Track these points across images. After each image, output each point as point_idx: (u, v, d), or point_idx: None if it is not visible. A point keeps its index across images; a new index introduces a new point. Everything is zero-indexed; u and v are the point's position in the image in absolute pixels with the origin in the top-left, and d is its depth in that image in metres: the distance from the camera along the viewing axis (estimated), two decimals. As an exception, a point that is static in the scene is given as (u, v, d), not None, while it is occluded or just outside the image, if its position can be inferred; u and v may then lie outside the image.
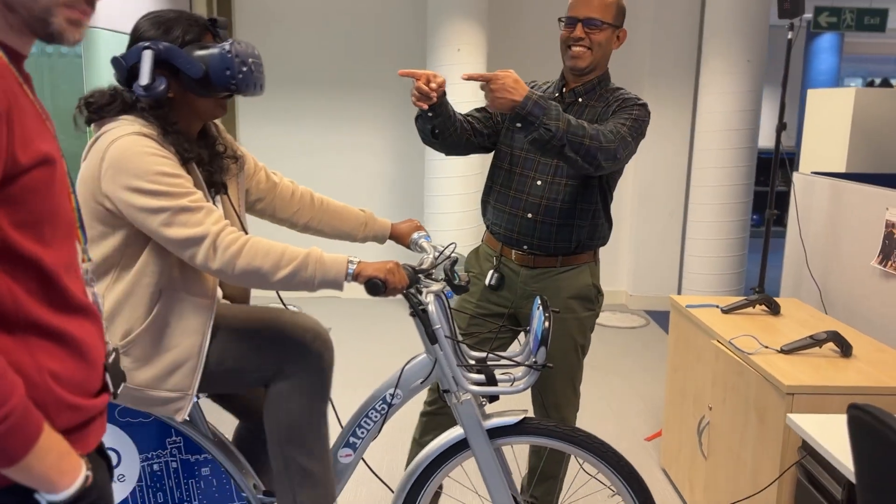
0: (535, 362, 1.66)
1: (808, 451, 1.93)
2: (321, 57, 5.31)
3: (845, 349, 2.24)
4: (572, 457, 1.97)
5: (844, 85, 9.68)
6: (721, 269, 4.93)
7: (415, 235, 1.92)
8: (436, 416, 2.32)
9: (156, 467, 1.75)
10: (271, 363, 1.65)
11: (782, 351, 2.25)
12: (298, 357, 1.66)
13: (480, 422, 1.75)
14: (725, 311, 2.69)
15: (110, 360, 1.10)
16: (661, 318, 5.26)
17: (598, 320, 4.86)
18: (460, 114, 2.13)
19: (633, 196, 5.47)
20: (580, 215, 2.12)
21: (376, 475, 1.85)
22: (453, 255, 1.76)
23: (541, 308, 1.70)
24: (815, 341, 2.26)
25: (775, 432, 2.08)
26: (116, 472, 1.73)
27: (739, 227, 4.91)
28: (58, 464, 0.92)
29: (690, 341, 2.73)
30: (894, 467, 1.07)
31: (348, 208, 1.92)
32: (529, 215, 2.12)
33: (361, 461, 1.83)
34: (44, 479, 0.90)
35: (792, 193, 3.06)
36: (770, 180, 3.11)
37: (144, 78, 1.46)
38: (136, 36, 1.53)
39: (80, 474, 0.95)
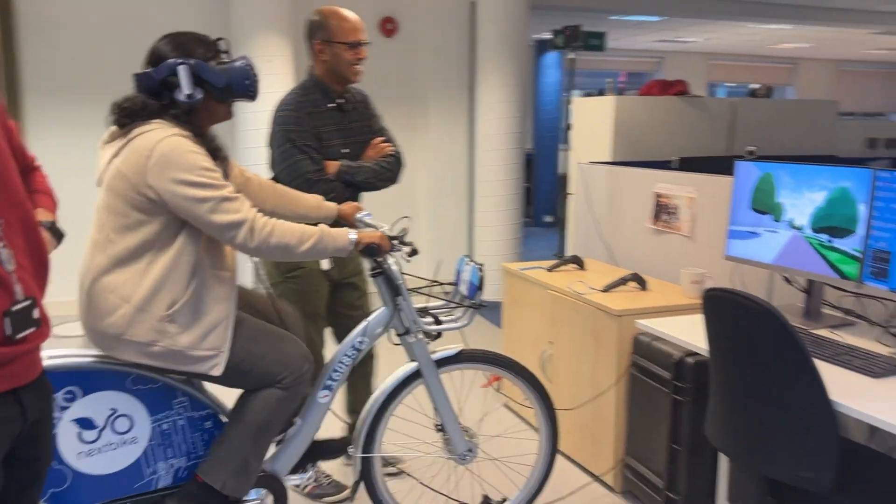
0: (474, 303, 2.20)
1: (639, 352, 2.71)
2: (115, 66, 5.26)
3: (643, 284, 3.10)
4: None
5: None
6: (504, 250, 5.83)
7: (358, 215, 2.35)
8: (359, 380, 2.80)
9: (165, 426, 1.99)
10: (274, 373, 1.94)
11: (604, 290, 3.04)
12: (294, 376, 1.97)
13: (429, 355, 2.25)
14: (549, 270, 3.45)
15: (14, 308, 1.29)
16: (457, 298, 6.04)
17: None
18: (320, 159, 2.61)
19: (426, 194, 6.18)
20: None
21: (336, 415, 2.25)
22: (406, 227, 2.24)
23: (471, 263, 2.25)
24: (623, 280, 3.08)
25: (608, 348, 2.83)
26: (129, 435, 1.95)
27: (516, 214, 5.85)
28: None
29: (524, 296, 3.45)
30: (741, 323, 1.80)
31: (300, 194, 2.30)
32: None
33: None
34: None
35: (579, 177, 3.93)
36: (566, 170, 3.95)
37: (187, 89, 1.76)
38: (160, 55, 1.80)
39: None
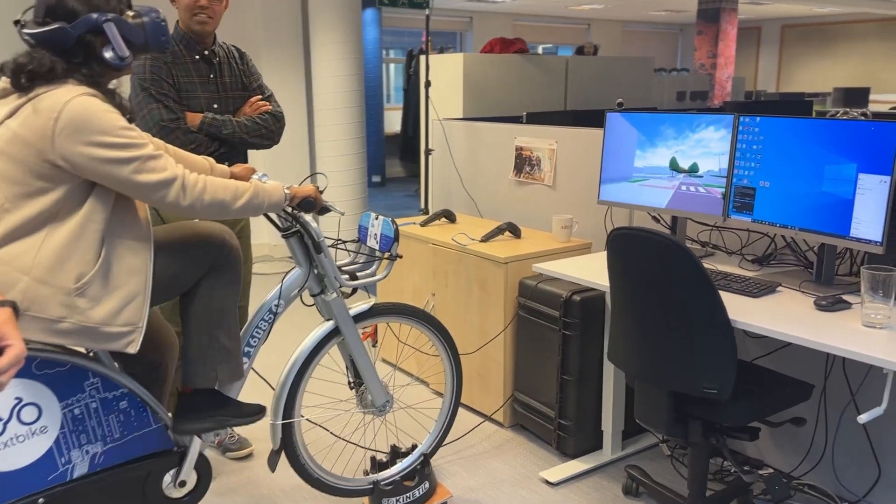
0: (391, 255, 2.22)
1: (526, 294, 2.88)
2: None
3: (517, 233, 3.27)
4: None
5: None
6: (351, 210, 5.80)
7: (254, 176, 2.25)
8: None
9: (77, 411, 1.83)
10: (203, 266, 1.91)
11: (482, 240, 3.17)
12: (221, 256, 1.94)
13: (348, 311, 2.25)
14: (423, 225, 3.52)
15: None
16: (303, 261, 5.94)
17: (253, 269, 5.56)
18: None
19: (265, 155, 5.96)
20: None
21: (262, 377, 2.19)
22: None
23: (380, 217, 2.26)
24: (500, 230, 3.23)
25: (496, 294, 2.98)
26: (38, 424, 1.77)
27: (361, 173, 5.83)
28: None
29: (401, 252, 3.50)
30: (647, 256, 1.98)
31: (190, 156, 2.14)
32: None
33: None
34: None
35: (442, 133, 4.02)
36: (426, 128, 4.02)
37: (122, 50, 1.60)
38: (69, 10, 1.59)
39: None
